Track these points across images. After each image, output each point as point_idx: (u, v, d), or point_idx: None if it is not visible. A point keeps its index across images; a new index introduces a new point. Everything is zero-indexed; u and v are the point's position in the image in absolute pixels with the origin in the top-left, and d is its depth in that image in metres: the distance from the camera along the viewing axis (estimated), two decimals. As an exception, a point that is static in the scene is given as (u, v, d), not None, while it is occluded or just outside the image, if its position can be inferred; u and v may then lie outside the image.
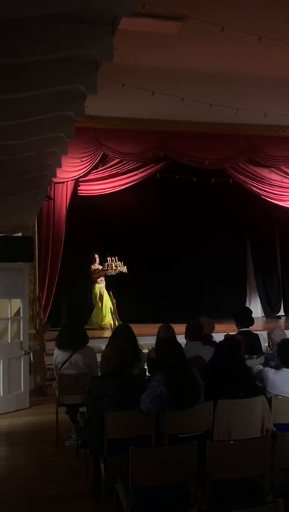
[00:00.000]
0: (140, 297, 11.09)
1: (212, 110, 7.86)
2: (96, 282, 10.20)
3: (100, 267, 10.20)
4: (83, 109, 3.30)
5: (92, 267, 10.31)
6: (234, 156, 9.76)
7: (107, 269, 10.04)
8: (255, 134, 9.67)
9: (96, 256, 10.39)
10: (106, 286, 10.22)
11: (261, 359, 5.01)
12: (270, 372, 4.40)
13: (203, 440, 3.37)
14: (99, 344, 7.26)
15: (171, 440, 3.84)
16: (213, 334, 5.85)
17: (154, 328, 5.89)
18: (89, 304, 10.29)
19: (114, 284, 10.38)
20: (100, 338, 7.91)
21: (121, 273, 10.05)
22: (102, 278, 10.22)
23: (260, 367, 4.60)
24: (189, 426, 3.89)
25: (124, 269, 10.01)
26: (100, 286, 10.20)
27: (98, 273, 10.19)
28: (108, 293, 10.00)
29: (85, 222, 10.53)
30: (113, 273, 10.04)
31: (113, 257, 10.09)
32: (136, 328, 5.58)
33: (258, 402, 3.99)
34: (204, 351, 4.84)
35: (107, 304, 10.00)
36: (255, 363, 4.80)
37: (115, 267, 10.00)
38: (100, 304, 10.09)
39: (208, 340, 5.38)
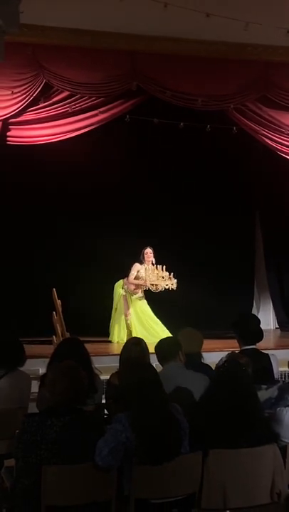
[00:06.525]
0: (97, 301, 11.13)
1: (209, 23, 7.87)
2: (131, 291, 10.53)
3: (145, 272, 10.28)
4: (17, 15, 3.29)
5: (137, 269, 10.42)
6: (240, 92, 9.79)
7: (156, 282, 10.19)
8: (272, 61, 9.72)
9: (149, 251, 10.49)
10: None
11: (273, 390, 5.07)
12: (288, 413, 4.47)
13: (186, 508, 3.41)
14: (35, 366, 7.24)
15: (140, 508, 3.87)
16: (205, 354, 5.91)
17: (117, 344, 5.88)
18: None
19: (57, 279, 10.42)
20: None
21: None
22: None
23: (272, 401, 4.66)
24: (166, 487, 3.92)
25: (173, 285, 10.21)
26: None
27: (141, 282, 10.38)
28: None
29: (15, 186, 10.45)
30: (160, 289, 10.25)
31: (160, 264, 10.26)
32: (90, 345, 5.56)
33: (268, 454, 4.05)
34: (192, 379, 4.87)
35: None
36: (264, 396, 4.85)
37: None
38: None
39: (197, 363, 5.42)
